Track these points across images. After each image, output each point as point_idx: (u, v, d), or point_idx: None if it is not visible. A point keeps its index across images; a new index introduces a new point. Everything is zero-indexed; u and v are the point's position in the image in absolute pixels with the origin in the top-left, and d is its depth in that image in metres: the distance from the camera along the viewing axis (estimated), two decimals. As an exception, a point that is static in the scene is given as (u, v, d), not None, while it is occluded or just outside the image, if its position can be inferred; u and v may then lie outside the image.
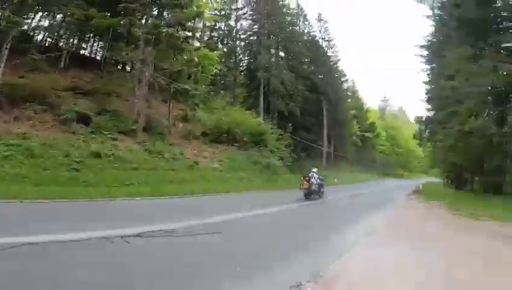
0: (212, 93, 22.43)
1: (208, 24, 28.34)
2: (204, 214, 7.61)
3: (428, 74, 26.78)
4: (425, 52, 27.04)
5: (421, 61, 27.40)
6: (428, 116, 24.91)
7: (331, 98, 37.92)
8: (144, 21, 17.21)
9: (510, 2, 15.33)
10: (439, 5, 18.52)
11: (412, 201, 16.94)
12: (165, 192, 10.74)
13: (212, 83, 25.51)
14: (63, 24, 18.15)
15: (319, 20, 42.85)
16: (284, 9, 35.04)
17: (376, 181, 36.57)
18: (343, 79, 45.91)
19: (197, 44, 23.83)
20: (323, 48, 41.74)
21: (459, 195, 18.67)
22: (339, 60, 44.03)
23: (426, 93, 26.92)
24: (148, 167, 13.13)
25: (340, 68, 44.52)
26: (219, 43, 31.34)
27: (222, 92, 27.97)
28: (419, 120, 26.74)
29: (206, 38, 29.72)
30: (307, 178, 12.49)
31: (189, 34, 20.52)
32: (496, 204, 12.38)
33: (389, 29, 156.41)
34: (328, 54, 42.32)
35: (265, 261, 4.34)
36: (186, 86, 16.90)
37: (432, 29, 25.33)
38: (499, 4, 15.56)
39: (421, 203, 15.85)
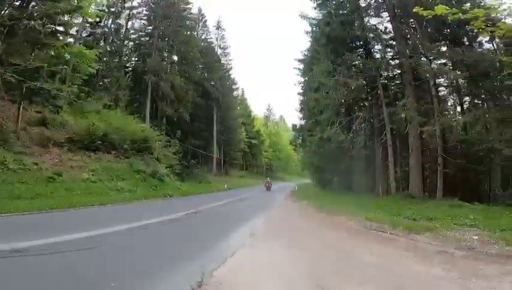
0: (84, 95, 19.56)
1: (90, 20, 24.87)
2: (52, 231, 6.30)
3: (302, 86, 30.63)
4: (301, 66, 30.51)
5: (297, 74, 31.03)
6: (301, 125, 28.73)
7: (222, 105, 39.03)
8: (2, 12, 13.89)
9: (363, 24, 18.82)
10: (316, 22, 21.19)
11: (288, 202, 19.05)
12: (8, 209, 8.57)
13: (88, 83, 22.44)
14: None
15: (218, 27, 43.92)
16: (185, 13, 34.25)
17: (262, 185, 39.25)
18: (234, 87, 47.98)
19: (69, 40, 20.58)
20: (218, 55, 42.62)
21: (323, 194, 22.03)
22: (231, 68, 45.64)
23: (300, 104, 31.00)
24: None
25: (232, 76, 46.29)
26: (102, 41, 27.86)
27: (101, 94, 24.89)
28: (294, 128, 30.49)
29: (85, 35, 26.00)
30: None
31: (60, 28, 17.75)
32: (348, 201, 14.84)
33: (277, 42, 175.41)
34: (222, 62, 43.50)
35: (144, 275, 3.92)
36: (45, 85, 14.19)
37: (309, 44, 27.58)
38: (356, 24, 18.22)
39: (294, 203, 17.92)
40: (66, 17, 18.50)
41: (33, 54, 15.27)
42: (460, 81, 16.57)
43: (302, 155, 33.60)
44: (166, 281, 3.71)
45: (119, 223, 7.47)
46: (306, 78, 28.51)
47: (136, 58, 32.01)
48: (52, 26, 16.53)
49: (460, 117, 16.09)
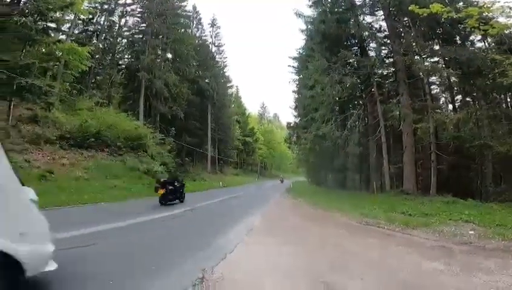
0: (76, 92, 19.24)
1: (82, 17, 24.41)
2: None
3: (296, 84, 30.70)
4: (295, 64, 30.50)
5: (291, 72, 31.08)
6: (295, 122, 28.77)
7: (216, 103, 38.83)
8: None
9: (358, 22, 18.41)
10: (311, 20, 21.19)
11: (283, 199, 18.99)
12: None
13: (80, 81, 22.06)
14: None
15: (212, 25, 43.62)
16: (179, 11, 33.89)
17: (255, 183, 39.47)
18: (228, 85, 47.81)
19: (61, 37, 20.18)
20: (212, 52, 42.43)
21: (318, 192, 22.15)
22: (226, 65, 45.65)
23: (294, 102, 31.04)
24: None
25: (226, 74, 46.20)
26: (95, 38, 27.37)
27: (94, 91, 24.51)
28: (289, 126, 30.52)
29: (77, 31, 25.50)
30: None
31: (52, 25, 17.39)
32: (343, 198, 15.02)
33: (272, 40, 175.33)
34: (217, 59, 43.29)
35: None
36: (36, 82, 13.89)
37: (303, 42, 27.70)
38: (351, 22, 18.47)
39: (290, 200, 17.83)
40: (58, 14, 18.18)
41: (24, 51, 15.03)
42: (453, 79, 16.79)
43: (297, 153, 33.71)
44: (169, 276, 3.66)
45: (113, 221, 7.33)
46: (301, 76, 28.56)
47: (130, 56, 31.50)
48: (44, 22, 16.24)
49: (452, 114, 16.32)
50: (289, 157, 58.60)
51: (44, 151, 14.18)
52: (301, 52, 28.47)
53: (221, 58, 44.38)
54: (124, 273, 3.72)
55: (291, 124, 29.50)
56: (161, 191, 11.29)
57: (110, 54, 29.41)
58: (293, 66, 30.46)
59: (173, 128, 27.91)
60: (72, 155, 15.46)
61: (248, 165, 51.45)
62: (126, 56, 32.02)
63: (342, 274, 3.88)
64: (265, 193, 22.81)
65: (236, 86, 57.65)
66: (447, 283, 3.55)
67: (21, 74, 13.56)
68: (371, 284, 3.55)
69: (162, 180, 12.02)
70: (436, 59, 16.98)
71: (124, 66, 30.89)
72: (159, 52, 31.58)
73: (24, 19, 14.22)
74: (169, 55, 33.64)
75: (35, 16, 15.19)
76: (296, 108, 30.68)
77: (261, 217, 9.95)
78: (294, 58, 30.22)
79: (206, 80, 37.96)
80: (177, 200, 12.27)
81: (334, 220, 9.35)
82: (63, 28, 20.55)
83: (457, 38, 15.95)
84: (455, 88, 17.94)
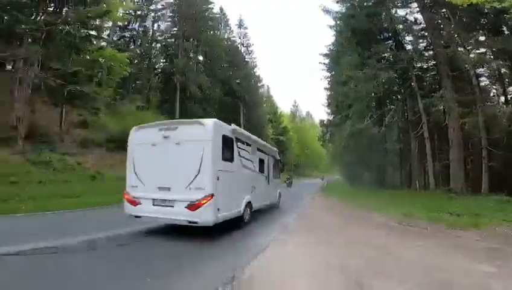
0: (119, 97, 20.57)
1: (119, 24, 26.15)
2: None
3: (328, 81, 30.01)
4: (326, 60, 30.00)
5: (322, 69, 30.43)
6: (329, 120, 28.08)
7: (248, 103, 39.22)
8: (38, 18, 14.92)
9: (390, 16, 17.78)
10: (340, 15, 20.71)
11: (319, 197, 18.51)
12: (55, 207, 9.23)
13: (122, 86, 23.58)
14: None
15: (240, 26, 44.16)
16: (207, 13, 34.87)
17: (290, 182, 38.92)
18: (259, 84, 47.99)
19: (102, 44, 21.74)
20: (242, 53, 42.93)
21: (354, 190, 21.32)
22: (256, 65, 45.78)
23: (327, 99, 30.32)
24: (34, 181, 11.19)
25: (257, 74, 46.33)
26: (132, 44, 29.18)
27: (134, 96, 26.06)
28: (322, 123, 29.91)
29: (115, 38, 27.36)
30: None
31: (93, 33, 18.71)
32: (382, 197, 14.30)
33: (301, 37, 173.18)
34: (247, 60, 43.68)
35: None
36: (84, 89, 15.10)
37: (333, 39, 26.90)
38: (383, 16, 17.86)
39: (325, 199, 17.24)
40: (97, 22, 19.40)
41: (71, 58, 16.17)
42: (503, 70, 15.42)
43: (331, 151, 32.92)
44: (207, 270, 3.81)
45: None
46: (333, 72, 27.86)
47: (164, 60, 33.08)
48: (86, 30, 17.30)
49: (505, 107, 14.89)
50: (323, 155, 57.32)
51: (93, 154, 15.39)
52: (331, 48, 27.80)
53: (250, 58, 44.73)
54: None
55: (325, 122, 28.88)
56: None
57: (147, 59, 31.00)
58: (324, 63, 29.81)
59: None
60: (118, 157, 16.58)
61: (282, 164, 51.14)
62: (161, 60, 33.66)
63: (379, 277, 3.74)
64: (299, 192, 22.52)
65: (267, 86, 57.74)
66: (495, 286, 3.29)
67: (70, 81, 14.80)
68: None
69: None
70: (482, 50, 15.64)
71: (159, 70, 32.51)
72: (191, 55, 32.76)
73: (68, 27, 15.34)
74: (201, 58, 34.75)
75: (77, 24, 16.15)
76: (328, 105, 29.94)
77: (297, 215, 9.84)
78: (324, 55, 29.56)
79: (237, 81, 38.49)
80: None
81: (372, 220, 8.97)
82: (102, 35, 22.05)
83: (504, 28, 14.56)
84: (506, 80, 16.37)
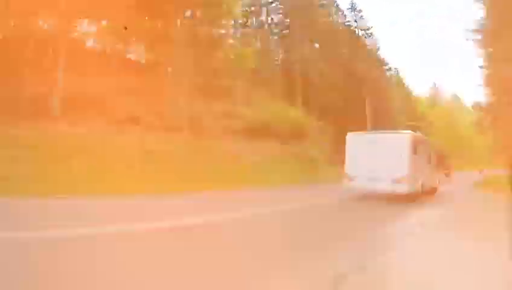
0: (249, 89, 22.41)
1: (239, 21, 28.49)
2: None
3: (484, 59, 23.93)
4: (478, 36, 24.22)
5: (473, 46, 24.55)
6: (488, 102, 22.26)
7: (373, 88, 35.95)
8: (178, 22, 17.90)
9: None
10: None
11: (472, 193, 15.78)
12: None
13: (249, 78, 25.48)
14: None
15: (353, 9, 40.84)
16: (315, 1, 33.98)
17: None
18: (385, 68, 43.25)
19: (230, 41, 24.13)
20: (360, 37, 39.81)
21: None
22: (378, 48, 41.76)
23: (484, 79, 24.12)
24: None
25: (381, 57, 42.12)
26: (253, 38, 31.33)
27: (260, 87, 27.86)
28: (476, 106, 24.07)
29: (238, 35, 29.95)
30: None
31: (223, 31, 20.88)
32: None
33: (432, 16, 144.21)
34: (367, 43, 40.26)
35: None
36: (226, 83, 17.07)
37: (482, 12, 22.43)
38: None
39: (482, 194, 14.76)
40: (224, 21, 21.14)
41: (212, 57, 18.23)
42: None
43: (493, 139, 26.18)
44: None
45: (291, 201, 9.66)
46: (490, 49, 21.98)
47: (283, 51, 33.82)
48: (218, 29, 19.29)
49: None
50: (477, 144, 46.32)
51: (233, 141, 17.34)
52: (483, 23, 21.91)
53: (371, 41, 40.64)
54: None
55: (481, 105, 23.18)
56: None
57: (268, 52, 32.43)
58: (474, 40, 23.81)
59: (330, 117, 27.85)
60: (253, 144, 18.14)
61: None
62: (280, 52, 34.61)
63: None
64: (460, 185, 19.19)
65: (396, 68, 50.81)
66: None
67: (213, 77, 17.00)
68: None
69: None
70: None
71: (279, 61, 33.55)
72: (309, 44, 32.30)
73: (206, 28, 17.42)
74: (317, 45, 33.94)
75: (210, 24, 18.21)
76: (487, 86, 23.73)
77: (436, 208, 9.96)
78: (475, 31, 23.63)
79: (360, 66, 35.64)
80: None
81: None
82: (229, 34, 24.21)
83: None
84: None
